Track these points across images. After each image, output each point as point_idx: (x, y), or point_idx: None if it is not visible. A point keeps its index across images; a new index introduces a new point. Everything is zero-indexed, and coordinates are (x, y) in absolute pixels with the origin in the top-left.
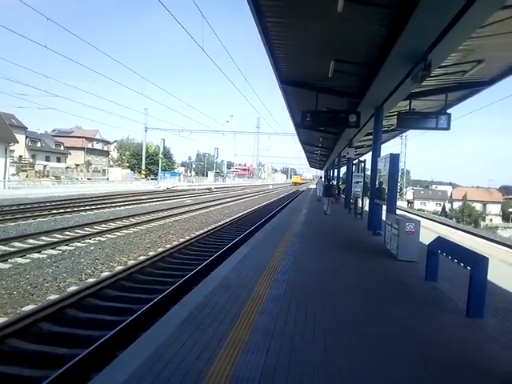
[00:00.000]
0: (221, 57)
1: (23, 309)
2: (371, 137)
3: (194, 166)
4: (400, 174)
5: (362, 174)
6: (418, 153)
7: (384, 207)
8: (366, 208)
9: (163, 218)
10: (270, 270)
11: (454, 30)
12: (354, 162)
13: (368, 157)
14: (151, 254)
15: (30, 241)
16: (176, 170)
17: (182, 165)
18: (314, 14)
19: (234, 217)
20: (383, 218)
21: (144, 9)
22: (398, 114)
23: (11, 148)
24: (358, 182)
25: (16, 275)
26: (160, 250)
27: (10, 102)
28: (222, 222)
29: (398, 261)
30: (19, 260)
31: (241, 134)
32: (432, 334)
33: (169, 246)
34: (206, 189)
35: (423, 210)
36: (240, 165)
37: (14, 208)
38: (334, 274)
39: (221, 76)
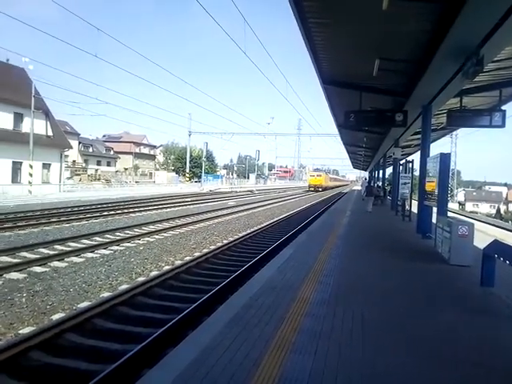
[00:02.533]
0: (262, 58)
1: (79, 305)
2: (419, 136)
3: (235, 168)
4: (450, 174)
5: (410, 175)
6: (470, 152)
7: (434, 209)
8: (414, 210)
9: (207, 219)
10: (314, 272)
11: (508, 21)
12: (401, 162)
13: (416, 157)
14: (196, 254)
15: (84, 241)
16: (218, 173)
17: (224, 167)
18: (357, 13)
19: (276, 219)
20: (433, 220)
21: (186, 13)
22: (448, 112)
23: (66, 153)
24: (405, 183)
25: (72, 273)
26: (205, 250)
27: (65, 110)
28: (265, 224)
29: (450, 265)
30: (75, 259)
31: (282, 135)
32: (488, 342)
33: (213, 247)
34: (248, 191)
35: (476, 213)
36: (281, 167)
37: (69, 210)
38: (382, 277)
39: (262, 78)
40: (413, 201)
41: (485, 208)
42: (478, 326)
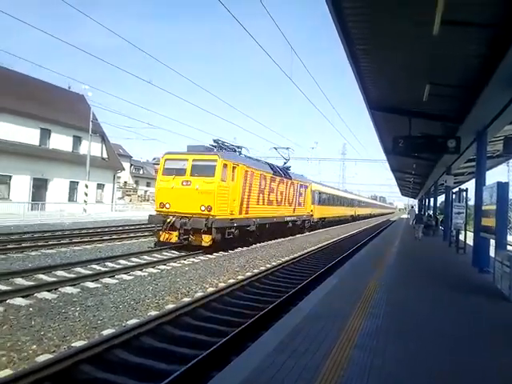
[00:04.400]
0: (307, 83)
1: (127, 322)
2: (473, 163)
3: None
4: (510, 204)
5: (464, 205)
6: None
7: (492, 241)
8: (469, 241)
9: (251, 242)
10: (362, 304)
11: None
12: (454, 190)
13: (470, 185)
14: (240, 277)
15: (134, 259)
16: None
17: None
18: (406, 39)
19: (320, 245)
20: (491, 253)
21: (235, 41)
22: (505, 139)
23: (118, 174)
24: (459, 213)
25: (122, 290)
26: (248, 274)
27: (119, 134)
28: (308, 250)
29: (511, 303)
30: (124, 276)
31: (326, 160)
32: None
33: (256, 270)
34: None
35: None
36: None
37: (120, 228)
38: (436, 314)
39: (306, 103)
40: (468, 232)
41: None
42: None
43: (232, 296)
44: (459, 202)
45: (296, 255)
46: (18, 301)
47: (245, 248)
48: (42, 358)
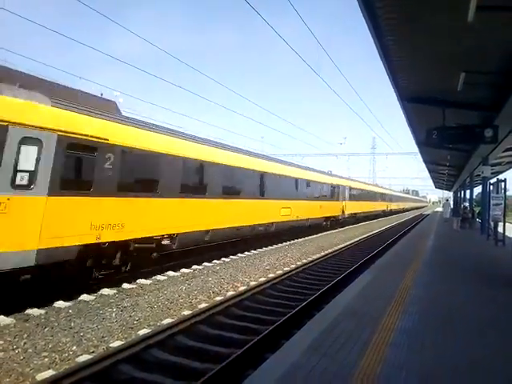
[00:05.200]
0: (335, 78)
1: (162, 322)
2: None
3: None
4: None
5: (503, 195)
6: None
7: None
8: (508, 234)
9: (280, 241)
10: (397, 300)
11: None
12: (492, 181)
13: (508, 175)
14: (271, 276)
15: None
16: None
17: None
18: (439, 28)
19: (351, 242)
20: None
21: (262, 40)
22: None
23: None
24: (497, 205)
25: (156, 291)
26: (279, 272)
27: None
28: (339, 247)
29: None
30: (158, 277)
31: (355, 155)
32: None
33: (287, 268)
34: None
35: None
36: None
37: None
38: (473, 310)
39: (335, 98)
40: (507, 223)
41: None
42: None
43: (264, 294)
44: (497, 192)
45: (326, 252)
46: (58, 303)
47: (274, 246)
48: (82, 359)
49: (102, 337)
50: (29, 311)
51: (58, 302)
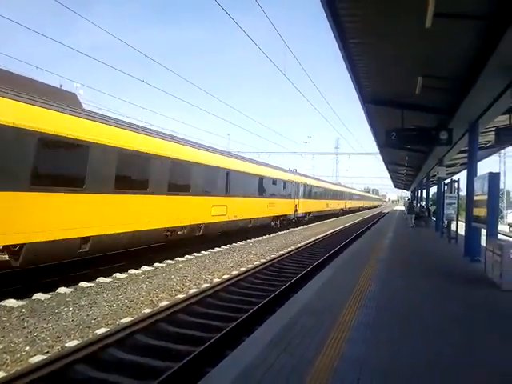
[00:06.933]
0: (300, 77)
1: (121, 320)
2: (465, 154)
3: None
4: (501, 194)
5: (456, 195)
6: None
7: (483, 231)
8: (461, 232)
9: (244, 238)
10: (356, 295)
11: None
12: (446, 181)
13: (461, 176)
14: (234, 273)
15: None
16: None
17: None
18: (399, 33)
19: (314, 239)
20: (482, 243)
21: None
22: (497, 130)
23: None
24: (450, 204)
25: (115, 289)
26: (242, 269)
27: None
28: (302, 244)
29: (502, 291)
30: (118, 275)
31: (319, 154)
32: None
33: (250, 265)
34: None
35: None
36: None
37: None
38: (429, 304)
39: (299, 97)
40: (459, 222)
41: None
42: None
43: (227, 291)
44: (451, 192)
45: (290, 249)
46: (10, 302)
47: (239, 244)
48: (36, 360)
49: (58, 336)
50: None
51: (9, 301)
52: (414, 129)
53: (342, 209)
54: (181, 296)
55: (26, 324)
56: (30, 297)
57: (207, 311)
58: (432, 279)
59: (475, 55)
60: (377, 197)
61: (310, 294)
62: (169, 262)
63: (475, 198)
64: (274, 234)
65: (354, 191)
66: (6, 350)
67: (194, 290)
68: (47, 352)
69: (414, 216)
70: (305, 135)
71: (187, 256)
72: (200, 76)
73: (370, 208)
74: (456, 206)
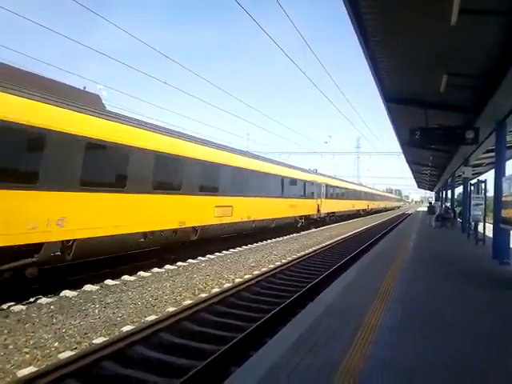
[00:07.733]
0: (321, 78)
1: (146, 319)
2: (492, 154)
3: None
4: None
5: (483, 196)
6: None
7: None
8: (488, 233)
9: (265, 238)
10: (381, 297)
11: None
12: (472, 181)
13: (488, 176)
14: (256, 273)
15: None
16: None
17: None
18: (423, 31)
19: (336, 239)
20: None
21: (250, 39)
22: None
23: None
24: (477, 205)
25: (140, 287)
26: (264, 269)
27: None
28: (324, 245)
29: None
30: (142, 273)
31: (340, 154)
32: None
33: (272, 266)
34: None
35: None
36: None
37: None
38: (454, 307)
39: (320, 97)
40: (486, 224)
41: None
42: None
43: (249, 291)
44: (478, 193)
45: (311, 249)
46: (40, 299)
47: (260, 244)
48: (65, 355)
49: (85, 333)
50: (9, 307)
51: (39, 298)
52: (439, 128)
53: (364, 209)
54: (203, 295)
55: (54, 320)
56: (58, 294)
57: (229, 311)
58: (459, 282)
59: (502, 52)
60: (399, 197)
61: (333, 294)
62: (191, 261)
63: (503, 198)
64: (295, 235)
65: (376, 192)
66: (37, 346)
67: (216, 290)
68: (75, 348)
69: (434, 217)
70: (325, 135)
71: (209, 256)
72: (219, 76)
73: (392, 209)
74: (483, 207)
